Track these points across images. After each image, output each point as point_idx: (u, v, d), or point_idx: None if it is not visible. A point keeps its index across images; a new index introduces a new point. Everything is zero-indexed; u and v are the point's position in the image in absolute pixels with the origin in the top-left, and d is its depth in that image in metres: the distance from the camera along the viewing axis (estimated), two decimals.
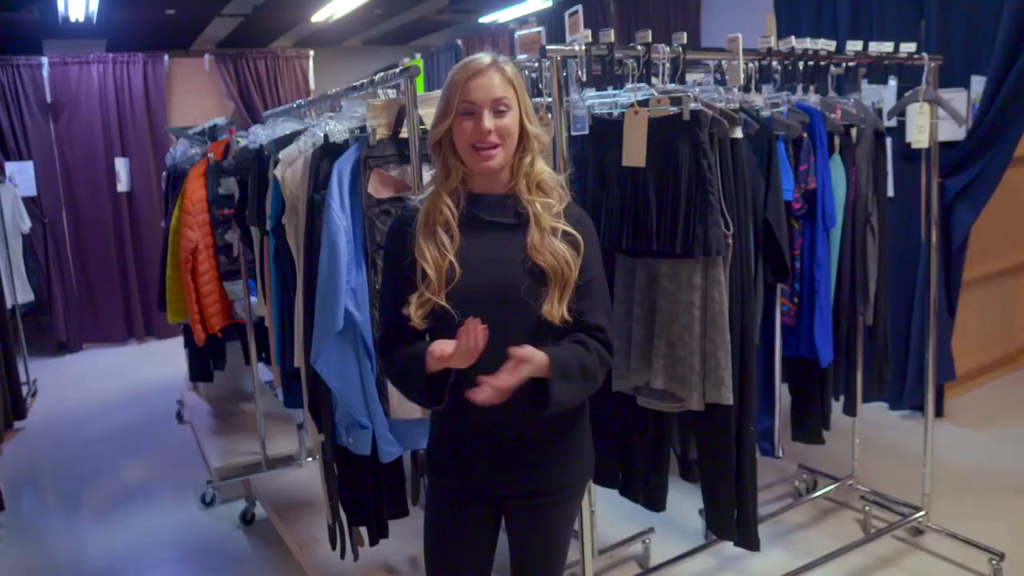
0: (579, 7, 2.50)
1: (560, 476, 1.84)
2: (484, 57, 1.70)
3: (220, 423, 4.86)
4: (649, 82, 2.43)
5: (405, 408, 2.51)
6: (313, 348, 2.42)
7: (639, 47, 2.42)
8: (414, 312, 1.69)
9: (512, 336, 1.68)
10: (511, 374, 1.60)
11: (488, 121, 1.66)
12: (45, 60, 7.43)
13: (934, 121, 3.13)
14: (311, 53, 8.80)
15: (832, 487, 3.62)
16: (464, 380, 1.69)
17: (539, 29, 2.54)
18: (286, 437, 4.41)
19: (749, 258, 2.45)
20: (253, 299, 3.94)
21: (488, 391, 1.60)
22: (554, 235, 1.73)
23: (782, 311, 2.87)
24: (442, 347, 1.61)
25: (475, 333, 1.57)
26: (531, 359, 1.62)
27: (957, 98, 4.16)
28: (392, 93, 2.68)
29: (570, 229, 1.75)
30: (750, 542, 2.51)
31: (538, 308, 1.69)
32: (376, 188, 2.44)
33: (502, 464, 1.78)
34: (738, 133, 2.35)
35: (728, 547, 2.80)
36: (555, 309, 1.70)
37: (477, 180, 1.76)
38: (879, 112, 3.20)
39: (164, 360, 7.08)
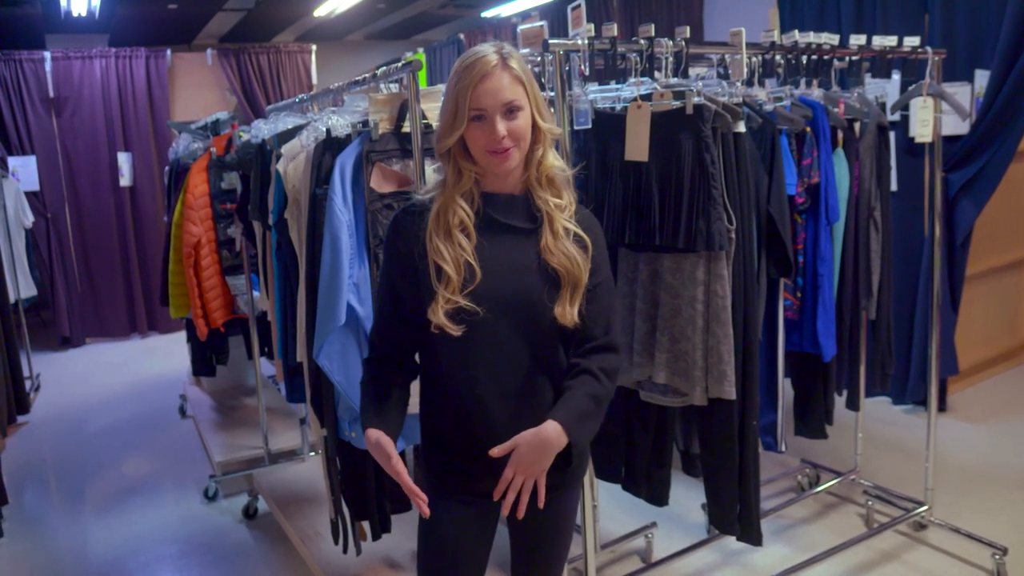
0: (582, 1, 2.49)
1: (560, 473, 1.83)
2: (490, 55, 1.63)
3: (222, 417, 4.87)
4: (652, 76, 2.43)
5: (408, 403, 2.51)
6: (315, 343, 2.42)
7: (642, 41, 2.42)
8: (441, 316, 1.64)
9: (526, 339, 1.69)
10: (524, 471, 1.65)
11: (501, 127, 1.62)
12: (48, 55, 7.43)
13: (938, 115, 3.12)
14: (313, 48, 8.80)
15: (835, 482, 3.62)
16: (469, 386, 1.70)
17: (542, 23, 2.54)
18: (288, 431, 4.42)
19: (752, 252, 2.44)
20: (255, 293, 3.94)
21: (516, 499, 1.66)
22: (566, 235, 1.71)
23: (785, 305, 2.87)
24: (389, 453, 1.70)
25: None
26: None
27: (961, 92, 4.16)
28: (394, 87, 2.68)
29: (580, 232, 1.73)
30: (752, 537, 2.51)
31: (551, 311, 1.68)
32: (378, 183, 2.44)
33: (503, 464, 1.77)
34: (741, 127, 2.35)
35: (730, 542, 2.80)
36: (567, 312, 1.68)
37: (490, 178, 1.73)
38: (882, 106, 3.19)
39: (166, 355, 7.11)
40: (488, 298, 1.66)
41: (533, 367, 1.72)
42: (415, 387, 1.90)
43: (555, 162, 1.75)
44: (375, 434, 1.70)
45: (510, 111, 1.64)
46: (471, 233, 1.69)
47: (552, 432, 1.64)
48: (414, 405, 2.49)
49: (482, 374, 1.70)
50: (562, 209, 1.73)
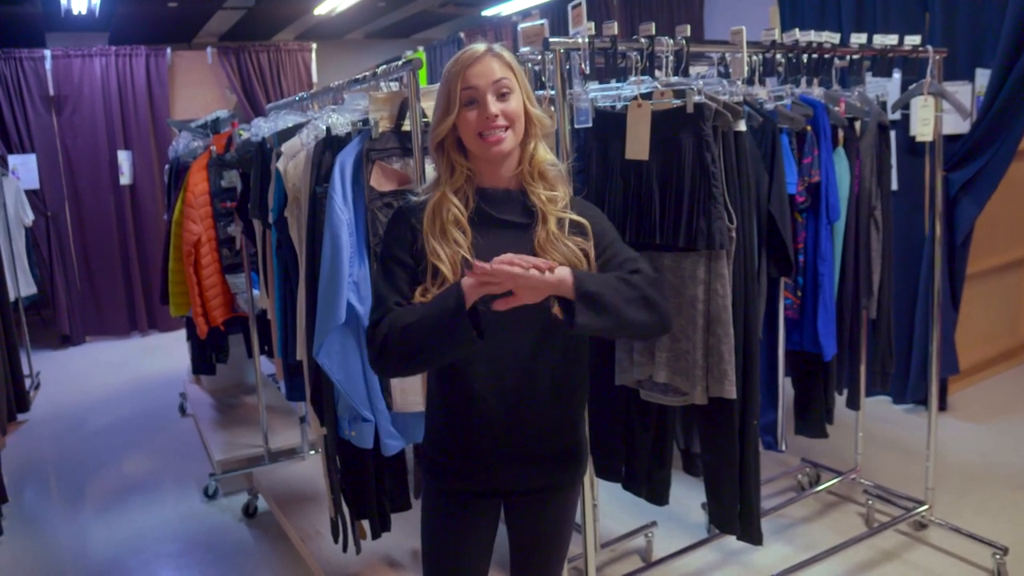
0: None
1: (561, 471, 1.83)
2: (478, 46, 1.67)
3: (222, 416, 4.87)
4: (652, 75, 2.42)
5: (407, 401, 2.51)
6: (315, 341, 2.41)
7: (642, 40, 2.41)
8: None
9: (527, 335, 1.69)
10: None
11: (493, 106, 1.63)
12: (48, 53, 7.43)
13: (938, 114, 3.12)
14: (313, 46, 8.80)
15: (835, 481, 3.62)
16: (468, 382, 1.70)
17: (542, 22, 2.53)
18: (288, 430, 4.42)
19: (752, 251, 2.44)
20: (255, 292, 3.94)
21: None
22: (560, 227, 1.70)
23: (785, 304, 2.87)
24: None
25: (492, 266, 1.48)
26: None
27: (961, 91, 4.16)
28: (395, 86, 2.68)
29: (576, 217, 1.72)
30: (753, 536, 2.50)
31: (549, 306, 1.66)
32: (378, 181, 2.44)
33: (503, 463, 1.77)
34: (742, 126, 2.34)
35: (731, 541, 2.79)
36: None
37: (484, 173, 1.73)
38: (883, 105, 3.18)
39: (166, 353, 7.11)
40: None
41: (533, 364, 1.71)
42: (419, 385, 1.88)
43: (546, 156, 1.75)
44: (458, 287, 1.55)
45: (502, 93, 1.65)
46: (467, 229, 1.68)
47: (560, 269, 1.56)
48: (415, 403, 2.51)
49: (481, 370, 1.70)
50: (556, 202, 1.72)
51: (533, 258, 1.52)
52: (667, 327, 1.69)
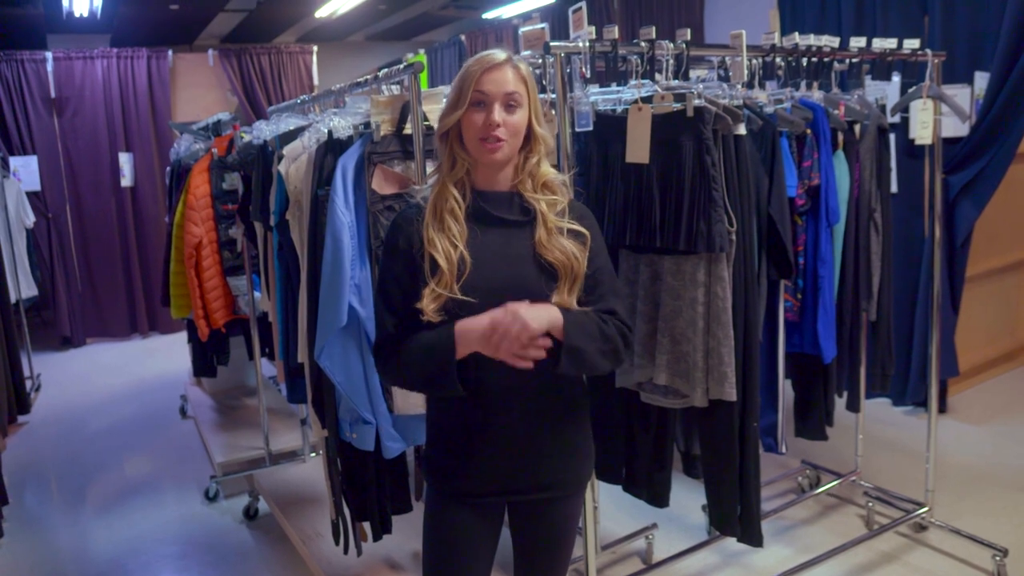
0: (583, 3, 2.50)
1: (564, 473, 1.83)
2: (499, 53, 1.71)
3: (223, 418, 4.87)
4: (653, 78, 2.43)
5: (408, 403, 2.52)
6: (317, 343, 2.42)
7: (643, 43, 2.42)
8: (427, 306, 1.66)
9: None
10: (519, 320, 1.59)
11: (498, 114, 1.67)
12: (49, 55, 7.44)
13: (937, 117, 3.13)
14: (315, 48, 8.81)
15: (835, 483, 3.63)
16: (472, 381, 1.70)
17: (543, 25, 2.54)
18: (289, 432, 4.42)
19: (753, 254, 2.45)
20: (257, 294, 3.95)
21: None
22: (560, 232, 1.73)
23: (785, 307, 2.87)
24: (471, 324, 1.62)
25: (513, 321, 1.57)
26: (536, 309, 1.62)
27: (961, 94, 4.17)
28: (396, 89, 2.69)
29: (575, 226, 1.76)
30: (753, 538, 2.51)
31: (549, 301, 1.69)
32: (380, 184, 2.45)
33: (505, 464, 1.77)
34: (741, 129, 2.35)
35: (731, 543, 2.80)
36: (565, 302, 1.70)
37: (481, 175, 1.76)
38: (883, 108, 3.19)
39: (167, 355, 7.11)
40: (482, 289, 1.67)
41: (536, 362, 1.72)
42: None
43: (548, 171, 1.80)
44: (453, 330, 1.64)
45: (510, 105, 1.69)
46: (462, 222, 1.71)
47: (548, 305, 1.66)
48: (416, 405, 2.51)
49: (484, 369, 1.70)
50: (555, 206, 1.76)
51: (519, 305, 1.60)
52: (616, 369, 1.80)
